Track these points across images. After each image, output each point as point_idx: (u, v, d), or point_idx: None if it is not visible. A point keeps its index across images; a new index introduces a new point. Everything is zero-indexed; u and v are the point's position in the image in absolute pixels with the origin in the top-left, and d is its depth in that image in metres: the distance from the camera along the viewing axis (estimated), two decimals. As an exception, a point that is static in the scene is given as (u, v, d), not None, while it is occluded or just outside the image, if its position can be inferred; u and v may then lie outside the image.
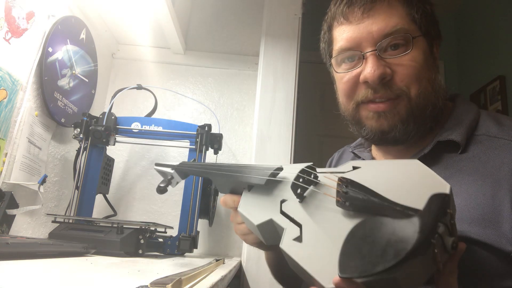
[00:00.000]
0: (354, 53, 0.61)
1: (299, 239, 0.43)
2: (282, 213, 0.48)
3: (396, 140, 0.61)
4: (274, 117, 1.35)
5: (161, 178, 0.66)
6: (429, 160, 0.59)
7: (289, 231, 0.45)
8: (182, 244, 1.06)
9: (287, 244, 0.44)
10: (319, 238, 0.42)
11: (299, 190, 0.49)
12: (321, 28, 0.71)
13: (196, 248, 1.12)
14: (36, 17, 1.00)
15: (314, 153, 2.28)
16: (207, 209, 1.18)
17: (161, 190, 0.63)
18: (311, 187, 0.49)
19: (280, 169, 0.54)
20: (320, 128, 2.33)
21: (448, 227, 0.38)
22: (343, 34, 0.63)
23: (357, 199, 0.42)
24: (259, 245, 0.64)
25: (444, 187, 0.39)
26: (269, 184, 0.52)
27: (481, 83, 2.19)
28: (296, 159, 1.33)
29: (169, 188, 0.65)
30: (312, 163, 0.53)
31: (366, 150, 0.75)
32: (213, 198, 1.24)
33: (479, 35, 2.28)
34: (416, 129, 0.60)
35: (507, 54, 2.01)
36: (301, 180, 0.50)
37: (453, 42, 2.52)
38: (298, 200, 0.48)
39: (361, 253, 0.37)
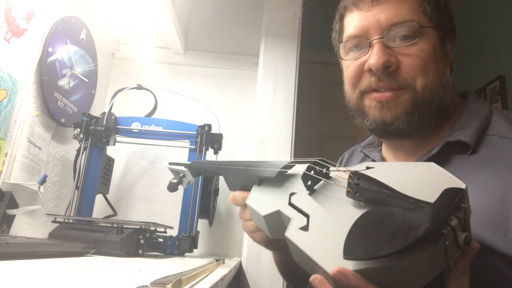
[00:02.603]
0: (362, 41, 0.61)
1: (305, 228, 0.43)
2: (291, 204, 0.47)
3: (400, 132, 0.60)
4: (274, 117, 1.35)
5: (168, 177, 0.66)
6: (438, 161, 0.57)
7: (296, 221, 0.44)
8: (182, 244, 1.06)
9: (292, 233, 0.43)
10: (326, 227, 0.41)
11: (309, 182, 0.48)
12: (330, 19, 0.71)
13: (196, 248, 1.12)
14: (36, 17, 1.00)
15: (314, 153, 2.28)
16: (207, 209, 1.18)
17: (172, 187, 0.63)
18: (322, 179, 0.48)
19: (292, 164, 0.54)
20: (320, 128, 2.33)
21: (462, 222, 0.37)
22: (352, 22, 0.63)
23: (368, 190, 0.41)
24: (266, 243, 0.63)
25: (460, 185, 0.39)
26: (280, 178, 0.52)
27: (481, 83, 2.19)
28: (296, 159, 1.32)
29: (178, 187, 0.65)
30: (322, 158, 0.52)
31: (376, 150, 0.74)
32: (213, 198, 1.24)
33: (479, 35, 2.28)
34: (420, 122, 0.59)
35: (507, 54, 2.01)
36: (312, 172, 0.49)
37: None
38: (307, 192, 0.48)
39: (368, 238, 0.36)
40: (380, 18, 0.59)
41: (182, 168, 0.64)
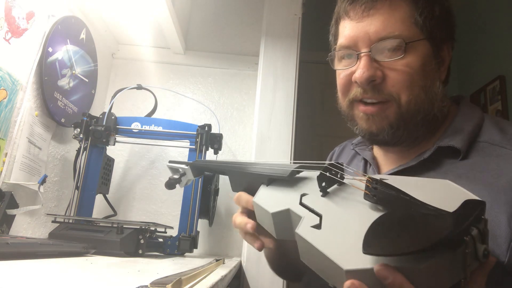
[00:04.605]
0: (351, 52, 0.62)
1: (318, 226, 0.41)
2: (302, 204, 0.46)
3: (386, 142, 0.62)
4: (274, 117, 1.35)
5: (165, 177, 0.65)
6: (429, 165, 0.59)
7: (307, 219, 0.43)
8: (182, 244, 1.06)
9: (304, 230, 0.41)
10: (341, 225, 0.40)
11: (324, 184, 0.47)
12: (330, 20, 0.71)
13: (196, 248, 1.12)
14: (36, 17, 1.00)
15: (314, 153, 2.28)
16: (207, 209, 1.18)
17: (170, 184, 0.61)
18: (339, 180, 0.47)
19: (305, 166, 0.53)
20: (320, 128, 2.33)
21: (481, 233, 0.36)
22: (344, 31, 0.63)
23: (387, 193, 0.40)
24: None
25: (478, 199, 0.37)
26: (291, 179, 0.51)
27: (481, 83, 2.19)
28: (296, 159, 1.32)
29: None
30: (338, 161, 0.51)
31: (367, 149, 0.74)
32: (213, 198, 1.24)
33: (479, 35, 2.28)
34: (406, 134, 0.60)
35: (507, 54, 2.01)
36: (328, 173, 0.48)
37: (453, 42, 2.52)
38: (320, 194, 0.46)
39: (389, 236, 0.34)
40: (369, 30, 0.59)
41: (183, 166, 0.63)
